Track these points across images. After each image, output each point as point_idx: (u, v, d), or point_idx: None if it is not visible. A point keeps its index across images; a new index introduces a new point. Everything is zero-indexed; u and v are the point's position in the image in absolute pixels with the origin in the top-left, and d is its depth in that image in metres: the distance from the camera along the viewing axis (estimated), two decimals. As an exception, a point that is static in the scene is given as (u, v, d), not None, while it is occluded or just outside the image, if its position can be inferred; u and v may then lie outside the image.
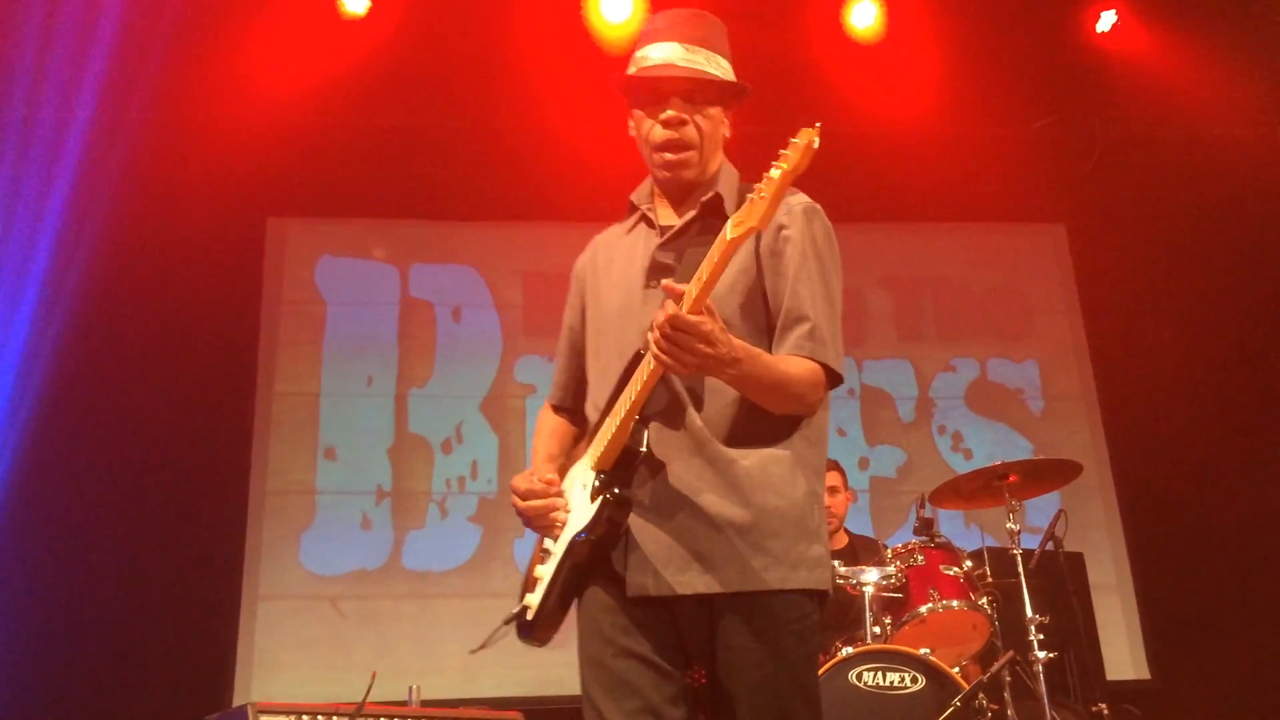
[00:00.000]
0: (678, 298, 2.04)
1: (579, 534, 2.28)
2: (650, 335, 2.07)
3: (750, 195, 2.00)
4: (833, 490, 5.08)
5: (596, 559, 2.28)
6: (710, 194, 2.41)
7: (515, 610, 2.45)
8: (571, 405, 2.61)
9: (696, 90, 2.41)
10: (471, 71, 6.24)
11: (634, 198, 2.56)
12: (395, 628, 6.22)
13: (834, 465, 5.20)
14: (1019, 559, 4.35)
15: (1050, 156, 6.91)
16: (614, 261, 2.50)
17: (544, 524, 2.39)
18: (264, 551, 6.25)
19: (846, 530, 5.39)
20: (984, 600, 4.30)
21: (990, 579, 4.45)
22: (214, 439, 6.24)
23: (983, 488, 4.62)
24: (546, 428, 2.62)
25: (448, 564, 6.42)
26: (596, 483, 2.28)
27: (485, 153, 6.53)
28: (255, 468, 6.36)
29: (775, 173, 1.97)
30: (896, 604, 4.28)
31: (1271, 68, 6.26)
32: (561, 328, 2.64)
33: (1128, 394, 6.69)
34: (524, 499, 2.40)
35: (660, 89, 2.42)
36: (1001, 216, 7.16)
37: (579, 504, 2.34)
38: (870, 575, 4.29)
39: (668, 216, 2.47)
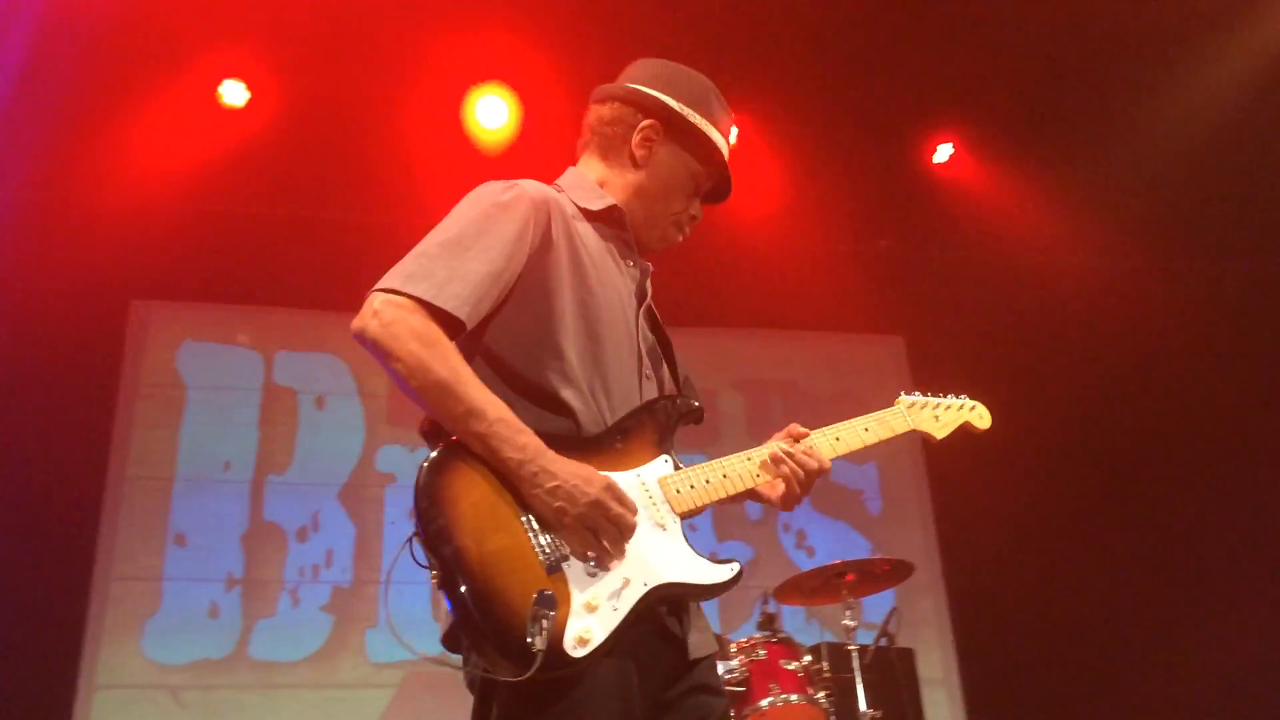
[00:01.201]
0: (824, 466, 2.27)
1: (688, 585, 2.05)
2: (797, 476, 2.24)
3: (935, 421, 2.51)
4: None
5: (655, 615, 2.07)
6: (649, 268, 2.41)
7: (539, 635, 1.84)
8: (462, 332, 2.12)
9: (716, 198, 2.49)
10: (347, 165, 6.30)
11: (597, 205, 2.34)
12: (237, 719, 6.01)
13: None
14: (854, 655, 4.49)
15: (891, 272, 7.28)
16: (597, 255, 2.27)
17: (612, 545, 1.98)
18: (104, 639, 5.99)
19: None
20: (821, 694, 4.41)
21: (828, 673, 4.57)
22: (60, 522, 6.00)
23: (823, 585, 4.78)
24: (469, 373, 2.01)
25: (296, 654, 6.27)
26: (680, 532, 2.09)
27: (357, 244, 6.54)
28: (101, 552, 6.13)
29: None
30: (739, 697, 4.36)
31: (1082, 202, 6.75)
32: (489, 244, 2.11)
33: (959, 496, 7.00)
34: (619, 503, 1.99)
35: (722, 193, 2.47)
36: (847, 327, 7.48)
37: (659, 548, 2.05)
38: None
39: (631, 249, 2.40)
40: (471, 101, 6.07)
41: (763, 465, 2.26)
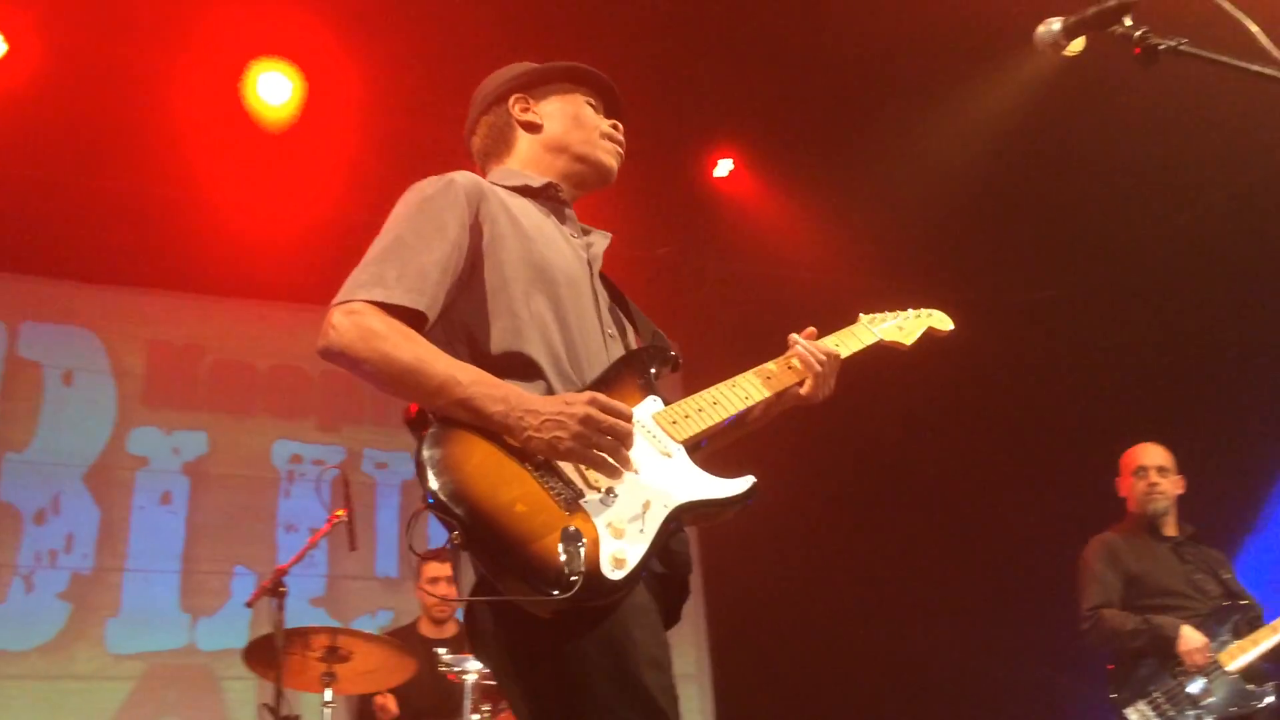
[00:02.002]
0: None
1: (706, 501, 2.06)
2: (815, 360, 2.39)
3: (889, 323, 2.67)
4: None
5: (674, 537, 2.07)
6: (606, 234, 2.46)
7: (573, 560, 1.81)
8: (425, 325, 2.12)
9: (616, 111, 2.54)
10: (111, 132, 5.89)
11: (534, 182, 2.39)
12: (-42, 712, 5.55)
13: None
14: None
15: (668, 282, 7.40)
16: (539, 227, 2.28)
17: (613, 455, 1.95)
18: None
19: (457, 619, 5.41)
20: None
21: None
22: None
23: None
24: (433, 350, 2.03)
25: (28, 643, 5.83)
26: (687, 458, 2.12)
27: (118, 215, 6.16)
28: None
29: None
30: (497, 692, 4.32)
31: (854, 225, 7.06)
32: (428, 233, 2.14)
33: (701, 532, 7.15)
34: (608, 413, 1.95)
35: (613, 98, 2.53)
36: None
37: (668, 471, 2.07)
38: (473, 664, 4.31)
39: (573, 219, 2.45)
40: (252, 76, 5.79)
41: (768, 374, 2.38)
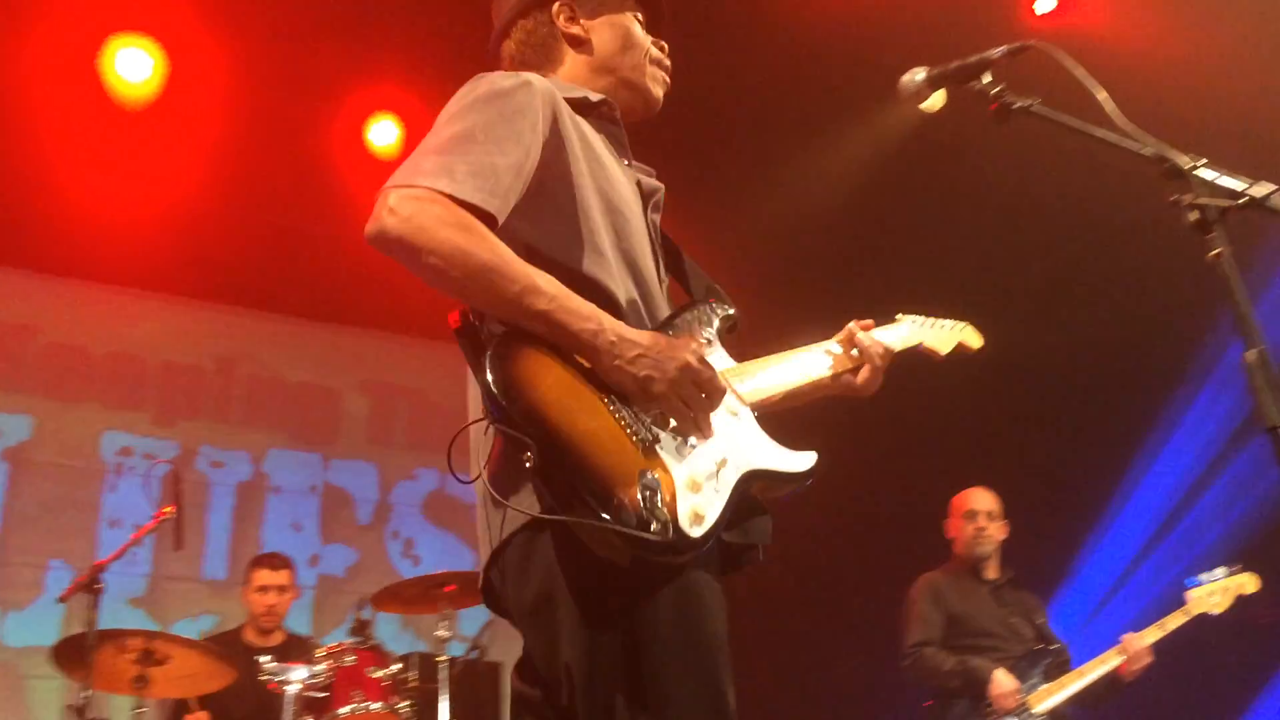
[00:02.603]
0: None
1: (774, 472, 1.89)
2: (876, 352, 2.22)
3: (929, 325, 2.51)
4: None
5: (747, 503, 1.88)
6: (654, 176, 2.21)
7: (655, 507, 1.65)
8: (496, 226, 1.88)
9: (662, 30, 2.32)
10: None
11: (593, 96, 2.14)
12: None
13: None
14: (442, 666, 4.45)
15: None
16: (602, 152, 2.06)
17: (702, 413, 1.80)
18: None
19: (284, 628, 5.24)
20: (404, 704, 4.33)
21: (414, 683, 4.49)
22: None
23: (423, 594, 4.70)
24: (513, 253, 1.79)
25: None
26: (753, 420, 1.96)
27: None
28: None
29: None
30: (320, 704, 4.20)
31: (715, 252, 7.12)
32: (502, 134, 1.87)
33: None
34: (710, 369, 1.82)
35: (659, 10, 2.31)
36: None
37: (740, 431, 1.91)
38: (298, 674, 4.18)
39: (625, 144, 2.21)
40: (111, 51, 5.51)
41: (829, 353, 2.24)
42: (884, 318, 2.43)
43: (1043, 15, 5.40)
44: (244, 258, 6.37)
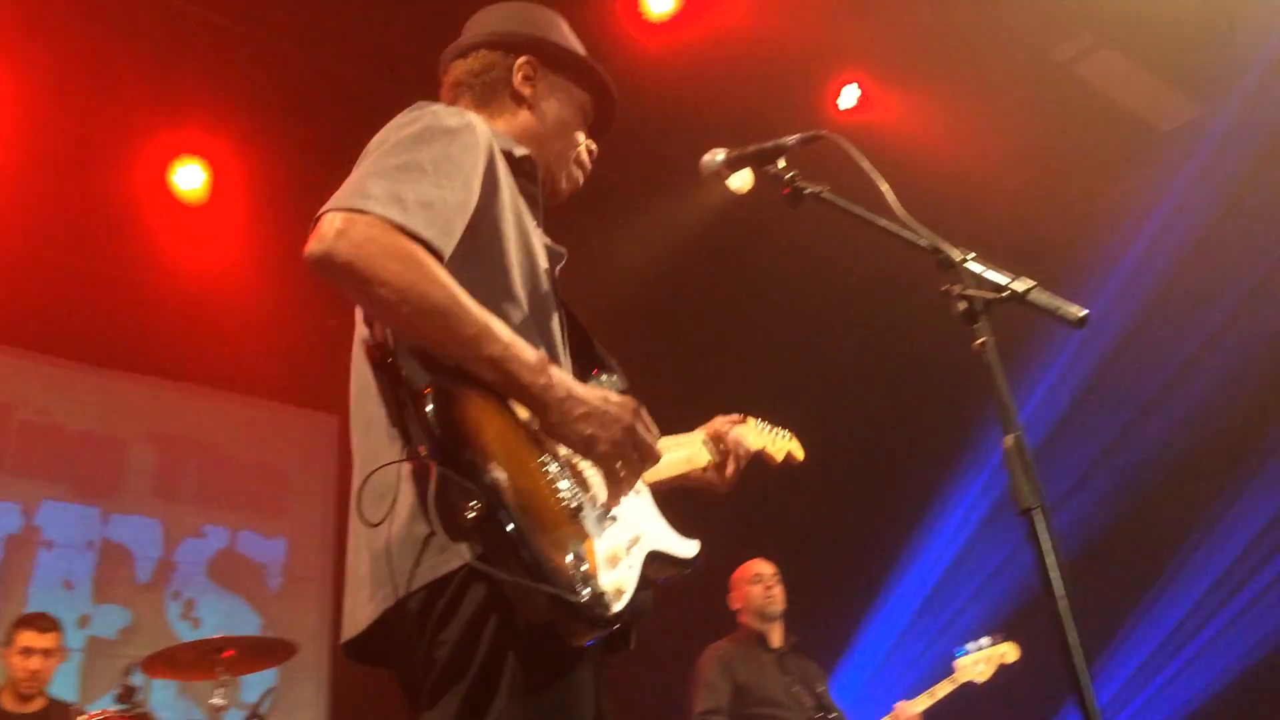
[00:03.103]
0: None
1: (669, 555, 1.91)
2: (741, 452, 2.28)
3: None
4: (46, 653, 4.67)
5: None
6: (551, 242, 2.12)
7: (582, 573, 1.60)
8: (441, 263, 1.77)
9: (600, 133, 2.28)
10: None
11: (517, 151, 2.04)
12: None
13: None
14: (216, 734, 4.19)
15: (338, 352, 7.12)
16: (522, 208, 1.98)
17: (635, 476, 1.77)
18: None
19: (46, 694, 4.86)
20: (172, 776, 4.05)
21: (183, 753, 4.21)
22: None
23: (199, 659, 4.44)
24: (465, 293, 1.68)
25: None
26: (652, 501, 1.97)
27: None
28: None
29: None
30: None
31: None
32: (450, 172, 1.79)
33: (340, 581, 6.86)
34: (650, 431, 1.78)
35: (608, 119, 2.28)
36: (281, 397, 7.20)
37: (642, 509, 1.92)
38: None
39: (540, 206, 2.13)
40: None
41: (701, 444, 2.27)
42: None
43: (845, 110, 5.68)
44: (24, 298, 5.97)
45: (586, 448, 1.72)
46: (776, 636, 4.96)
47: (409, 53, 5.30)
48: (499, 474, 1.60)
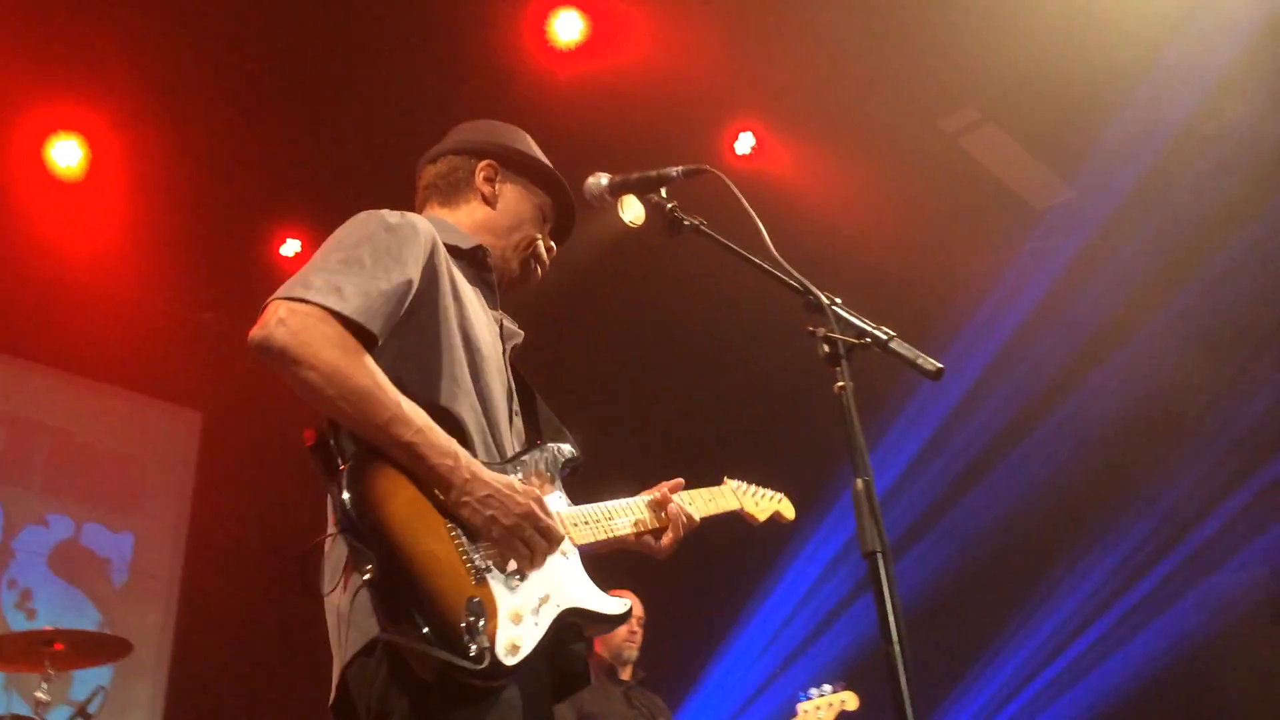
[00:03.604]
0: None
1: (592, 612, 2.07)
2: (683, 521, 2.39)
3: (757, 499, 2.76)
4: None
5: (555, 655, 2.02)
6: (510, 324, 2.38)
7: (475, 631, 1.76)
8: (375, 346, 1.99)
9: (562, 234, 2.49)
10: None
11: (465, 244, 2.29)
12: None
13: None
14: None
15: (207, 348, 6.91)
16: (468, 293, 2.21)
17: (536, 555, 1.96)
18: None
19: None
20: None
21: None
22: None
23: (27, 651, 4.26)
24: (388, 381, 1.92)
25: None
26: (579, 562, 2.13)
27: None
28: None
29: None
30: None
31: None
32: (388, 264, 2.01)
33: (208, 583, 6.64)
34: (550, 517, 2.00)
35: (569, 219, 2.47)
36: (143, 389, 6.93)
37: (565, 570, 2.06)
38: None
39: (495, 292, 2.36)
40: None
41: (642, 510, 2.34)
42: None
43: (741, 155, 5.76)
44: None
45: (486, 526, 1.91)
46: (626, 671, 4.95)
47: (293, 34, 5.25)
48: (398, 538, 1.81)
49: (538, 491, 2.00)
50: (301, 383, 1.86)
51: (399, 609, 1.76)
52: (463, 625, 1.76)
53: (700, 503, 2.53)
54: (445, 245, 2.22)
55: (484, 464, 2.01)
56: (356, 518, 1.79)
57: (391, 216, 2.12)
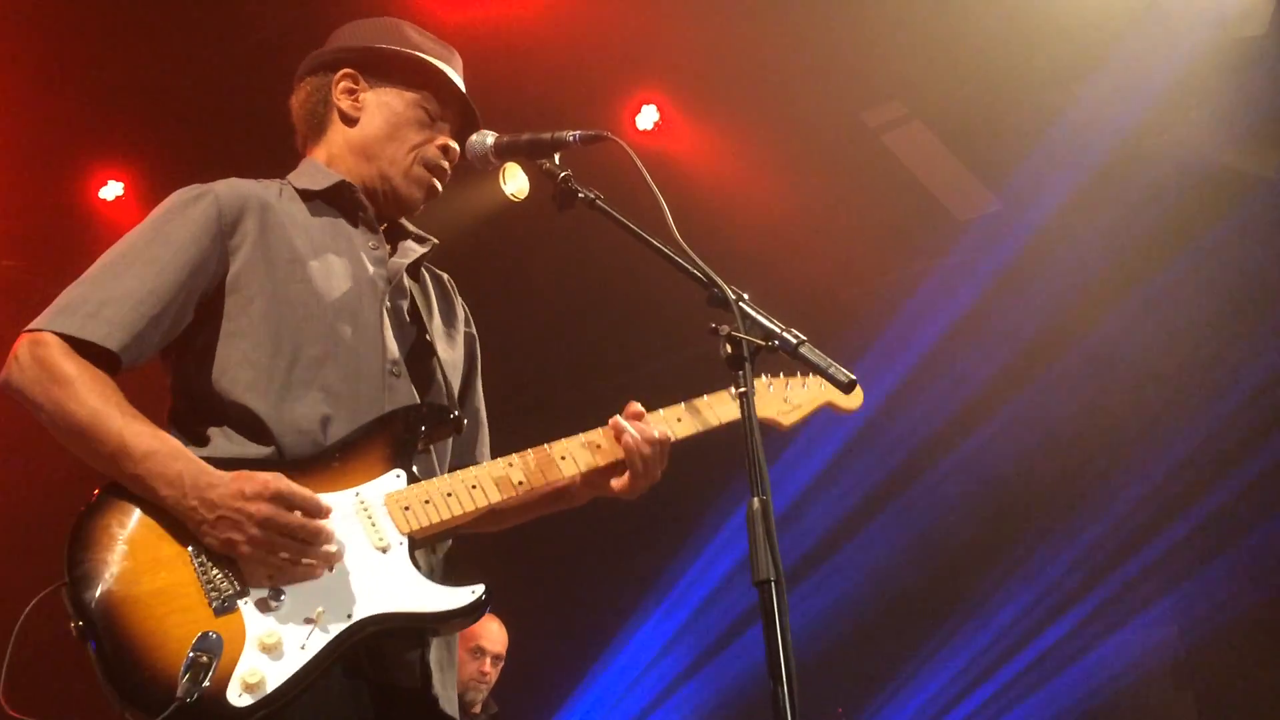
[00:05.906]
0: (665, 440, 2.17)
1: (407, 614, 1.91)
2: (640, 452, 2.14)
3: (784, 404, 2.40)
4: None
5: (387, 653, 1.96)
6: (427, 241, 2.32)
7: (194, 678, 1.71)
8: (130, 366, 2.00)
9: (465, 130, 2.28)
10: None
11: (319, 185, 2.20)
12: None
13: None
14: None
15: (16, 296, 6.60)
16: (318, 241, 2.13)
17: (299, 560, 1.86)
18: None
19: None
20: None
21: None
22: None
23: None
24: (115, 409, 1.91)
25: None
26: (427, 557, 2.06)
27: None
28: None
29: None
30: None
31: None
32: (155, 255, 2.03)
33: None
34: (294, 507, 1.86)
35: (451, 102, 2.30)
36: None
37: (382, 570, 1.93)
38: None
39: (373, 225, 2.26)
40: None
41: (575, 454, 2.14)
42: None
43: (643, 130, 5.71)
44: None
45: (230, 550, 1.86)
46: (477, 705, 4.88)
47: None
48: (110, 585, 1.79)
49: (277, 484, 1.87)
50: (42, 423, 1.92)
51: (103, 663, 1.75)
52: (180, 669, 1.72)
53: (688, 419, 2.28)
54: (299, 191, 2.20)
55: (296, 458, 1.97)
56: (70, 570, 1.79)
57: (181, 196, 2.11)
